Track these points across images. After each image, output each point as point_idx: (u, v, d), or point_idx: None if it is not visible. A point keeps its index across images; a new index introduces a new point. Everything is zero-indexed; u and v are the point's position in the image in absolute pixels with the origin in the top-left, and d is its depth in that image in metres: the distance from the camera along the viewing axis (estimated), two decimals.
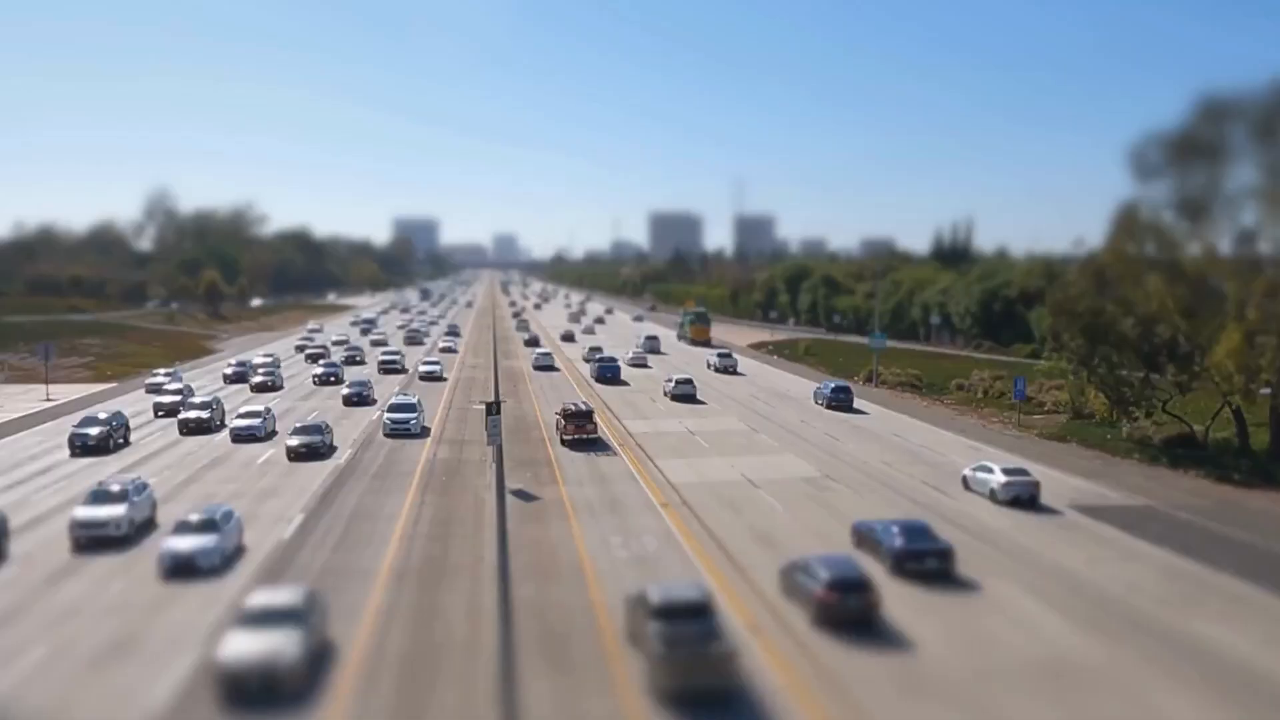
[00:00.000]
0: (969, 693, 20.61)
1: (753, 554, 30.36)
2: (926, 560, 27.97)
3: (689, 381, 68.18)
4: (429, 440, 50.15)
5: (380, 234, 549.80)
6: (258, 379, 72.66)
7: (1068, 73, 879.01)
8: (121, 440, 48.76)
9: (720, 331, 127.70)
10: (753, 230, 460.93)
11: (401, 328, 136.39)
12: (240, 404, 60.02)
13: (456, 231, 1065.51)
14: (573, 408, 49.90)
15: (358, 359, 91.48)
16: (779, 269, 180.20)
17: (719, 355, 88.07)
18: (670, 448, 48.52)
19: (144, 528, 32.20)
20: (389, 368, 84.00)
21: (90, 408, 56.55)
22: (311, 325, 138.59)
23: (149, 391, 67.76)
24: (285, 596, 22.48)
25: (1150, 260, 46.54)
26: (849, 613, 23.93)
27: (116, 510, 30.82)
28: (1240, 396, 44.69)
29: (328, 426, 48.81)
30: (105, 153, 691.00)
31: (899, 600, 25.86)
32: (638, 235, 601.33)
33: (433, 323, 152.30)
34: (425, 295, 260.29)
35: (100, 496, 31.56)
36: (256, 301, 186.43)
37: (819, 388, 67.36)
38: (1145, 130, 57.96)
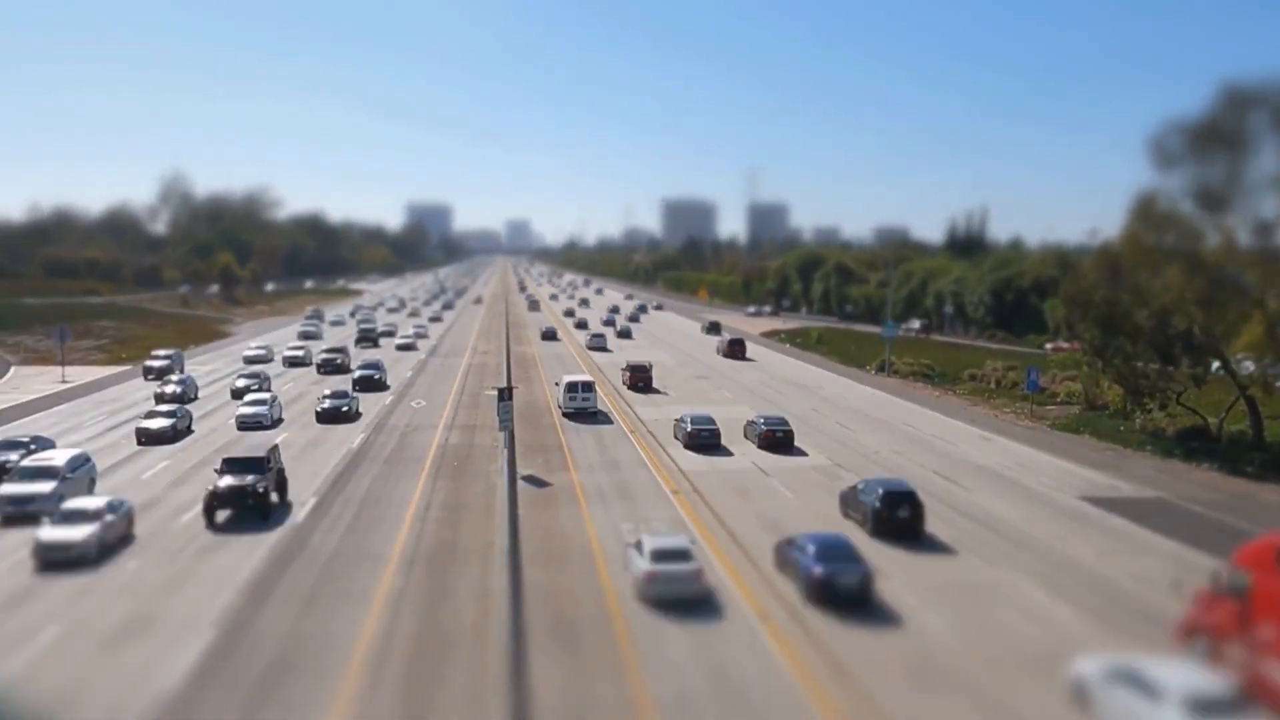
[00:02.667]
0: (980, 680, 20.63)
1: (762, 541, 30.41)
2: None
3: None
4: (440, 426, 50.46)
5: (394, 219, 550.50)
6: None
7: (1082, 64, 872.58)
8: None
9: (729, 320, 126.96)
10: (766, 218, 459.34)
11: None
12: None
13: (470, 217, 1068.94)
14: None
15: None
16: (792, 257, 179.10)
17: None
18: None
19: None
20: None
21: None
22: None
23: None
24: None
25: (1167, 250, 46.12)
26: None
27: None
28: (1258, 388, 44.39)
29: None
30: (120, 150, 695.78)
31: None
32: (651, 222, 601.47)
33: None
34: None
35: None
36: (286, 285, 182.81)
37: None
38: (1160, 121, 57.29)
